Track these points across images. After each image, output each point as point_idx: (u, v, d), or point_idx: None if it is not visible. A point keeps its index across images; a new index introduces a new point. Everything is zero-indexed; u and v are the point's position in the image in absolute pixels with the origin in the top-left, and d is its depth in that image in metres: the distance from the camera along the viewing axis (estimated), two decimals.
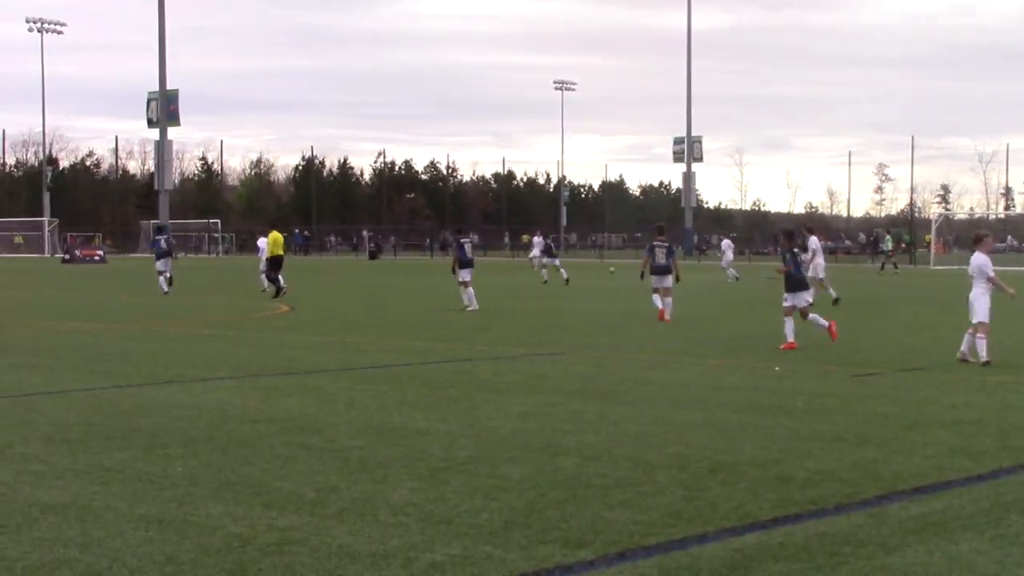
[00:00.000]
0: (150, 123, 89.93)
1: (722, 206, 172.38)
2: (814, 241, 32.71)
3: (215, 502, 8.35)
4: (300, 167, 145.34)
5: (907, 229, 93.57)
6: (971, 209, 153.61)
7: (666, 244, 26.31)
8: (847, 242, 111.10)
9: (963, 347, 17.25)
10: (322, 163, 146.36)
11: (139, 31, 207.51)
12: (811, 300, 20.18)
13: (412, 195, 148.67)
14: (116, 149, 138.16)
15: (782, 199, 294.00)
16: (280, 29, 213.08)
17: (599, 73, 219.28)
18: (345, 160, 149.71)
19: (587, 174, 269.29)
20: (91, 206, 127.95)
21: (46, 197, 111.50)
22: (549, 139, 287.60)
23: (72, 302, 33.56)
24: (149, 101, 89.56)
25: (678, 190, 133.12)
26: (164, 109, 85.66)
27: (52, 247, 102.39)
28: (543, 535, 7.52)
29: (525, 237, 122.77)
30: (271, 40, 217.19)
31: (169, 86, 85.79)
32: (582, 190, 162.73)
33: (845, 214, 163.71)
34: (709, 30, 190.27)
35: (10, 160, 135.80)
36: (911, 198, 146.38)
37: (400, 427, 11.58)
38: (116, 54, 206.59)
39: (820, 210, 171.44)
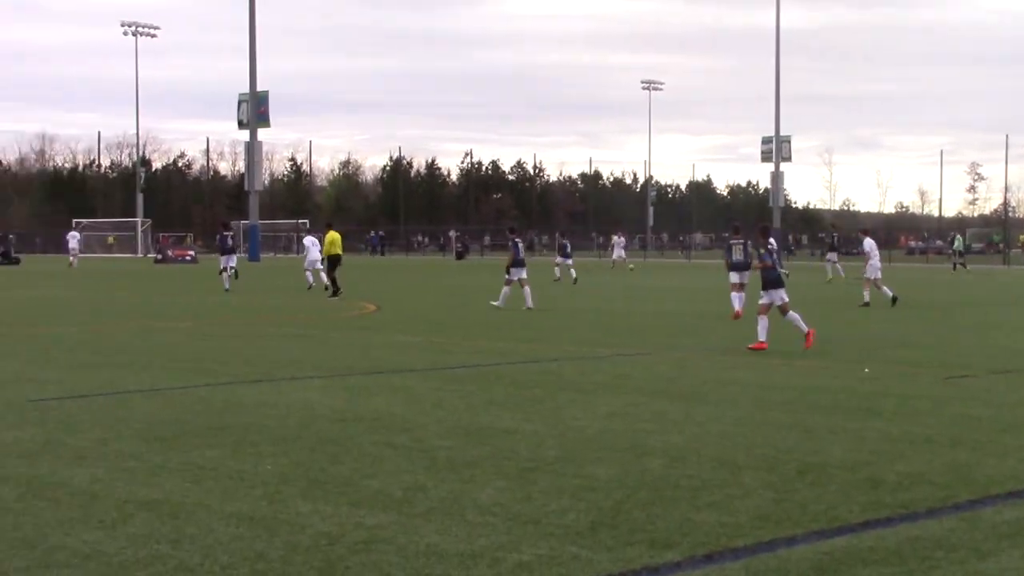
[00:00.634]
0: (240, 125, 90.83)
1: (811, 206, 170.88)
2: (868, 243, 33.08)
3: (304, 500, 8.44)
4: (388, 167, 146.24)
5: (998, 229, 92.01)
6: None
7: (742, 241, 27.28)
8: (938, 242, 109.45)
9: None
10: (410, 163, 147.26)
11: (231, 33, 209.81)
12: (786, 298, 19.69)
13: (499, 195, 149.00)
14: (207, 150, 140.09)
15: (872, 199, 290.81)
16: (371, 29, 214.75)
17: (687, 73, 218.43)
18: (433, 160, 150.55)
19: (674, 174, 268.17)
20: (183, 207, 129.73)
21: (139, 198, 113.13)
22: (636, 139, 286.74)
23: (164, 302, 34.03)
24: (240, 103, 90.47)
25: (766, 190, 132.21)
26: (254, 111, 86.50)
27: (145, 247, 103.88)
28: (630, 536, 7.50)
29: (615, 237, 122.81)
30: (361, 41, 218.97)
31: (259, 88, 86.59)
32: (669, 190, 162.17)
33: (937, 214, 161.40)
34: (798, 29, 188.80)
35: (105, 162, 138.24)
36: (1005, 197, 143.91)
37: (487, 427, 11.62)
38: (208, 56, 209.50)
39: (911, 210, 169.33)
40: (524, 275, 29.80)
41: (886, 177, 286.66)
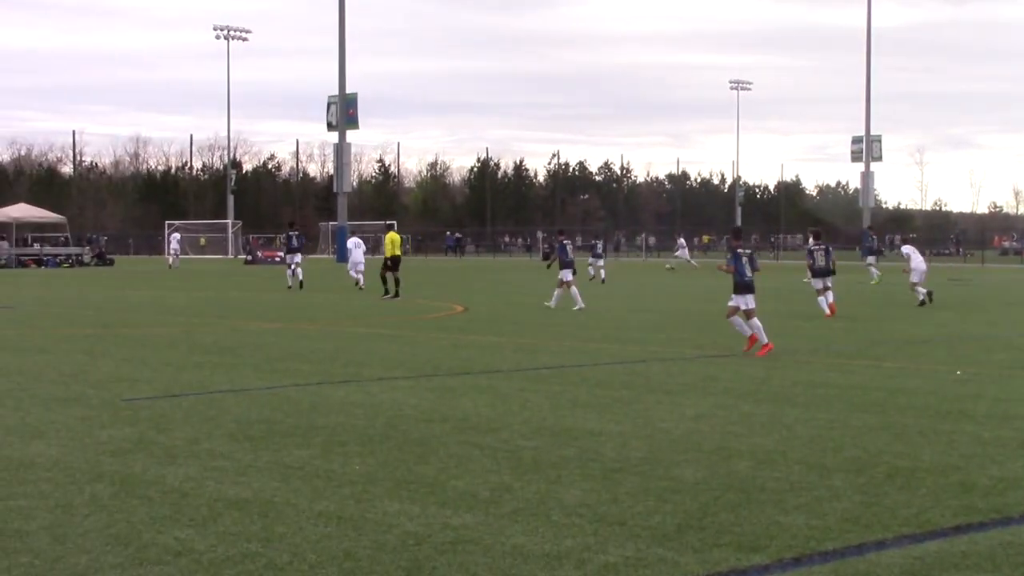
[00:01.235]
0: (329, 126, 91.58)
1: (901, 206, 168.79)
2: (906, 249, 33.59)
3: (391, 500, 8.49)
4: (475, 169, 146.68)
5: None
6: None
7: (823, 246, 28.60)
8: None
9: None
10: (497, 164, 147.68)
11: (320, 36, 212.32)
12: (753, 305, 19.28)
13: (586, 196, 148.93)
14: (297, 152, 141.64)
15: (965, 199, 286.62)
16: (459, 31, 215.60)
17: (776, 72, 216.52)
18: (520, 162, 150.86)
19: (763, 174, 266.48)
20: (272, 208, 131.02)
21: (230, 200, 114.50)
22: (724, 139, 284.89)
23: (253, 302, 34.41)
24: (329, 105, 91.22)
25: (856, 190, 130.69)
26: (343, 113, 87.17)
27: (235, 248, 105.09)
28: (717, 538, 7.46)
29: (707, 237, 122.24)
30: (450, 42, 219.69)
31: (348, 90, 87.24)
32: (757, 190, 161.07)
33: None
34: (890, 27, 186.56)
35: (197, 164, 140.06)
36: None
37: (573, 427, 11.61)
38: (298, 59, 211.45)
39: (1005, 209, 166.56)
40: (571, 277, 30.13)
41: (979, 176, 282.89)
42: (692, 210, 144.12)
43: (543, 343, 20.87)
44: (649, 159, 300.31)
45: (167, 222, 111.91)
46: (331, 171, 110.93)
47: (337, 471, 9.50)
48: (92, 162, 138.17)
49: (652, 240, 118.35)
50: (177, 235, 78.62)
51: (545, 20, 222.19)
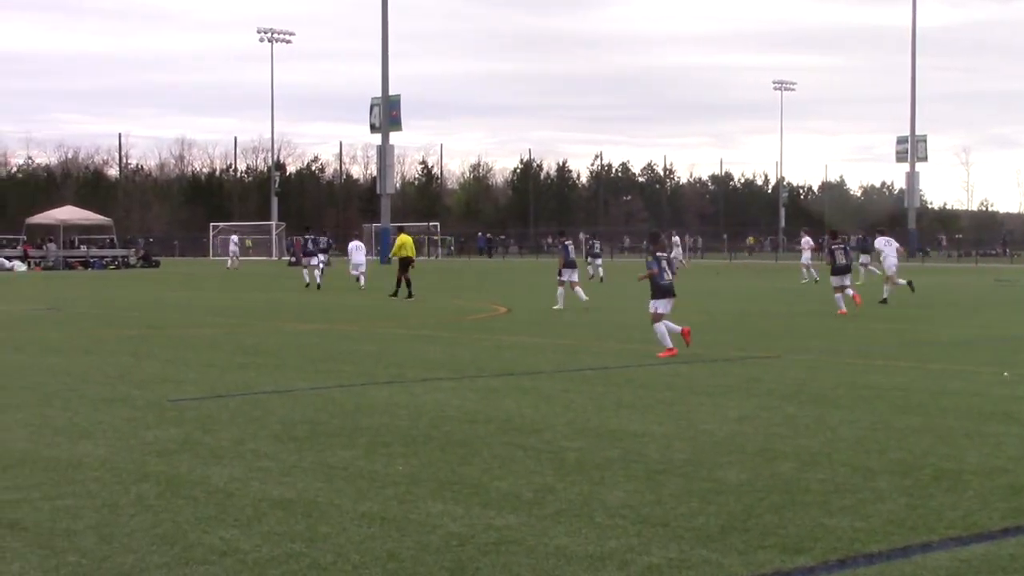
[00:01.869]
0: (373, 128, 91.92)
1: (947, 207, 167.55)
2: (881, 240, 34.78)
3: (435, 501, 8.51)
4: (518, 170, 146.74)
5: None
6: None
7: (843, 245, 29.30)
8: None
9: None
10: (540, 166, 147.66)
11: (363, 38, 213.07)
12: (667, 311, 19.04)
13: (629, 197, 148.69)
14: (340, 154, 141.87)
15: (1011, 199, 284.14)
16: (502, 32, 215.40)
17: (821, 72, 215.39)
18: (563, 163, 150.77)
19: (806, 175, 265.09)
20: (316, 210, 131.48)
21: (274, 201, 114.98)
22: (768, 140, 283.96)
23: (297, 303, 34.56)
24: (372, 107, 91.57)
25: (901, 190, 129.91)
26: (386, 114, 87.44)
27: (280, 250, 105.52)
28: (761, 540, 7.44)
29: (752, 239, 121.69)
30: (492, 44, 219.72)
31: (391, 92, 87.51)
32: (801, 191, 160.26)
33: None
34: (935, 26, 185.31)
35: (241, 166, 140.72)
36: None
37: (617, 429, 11.60)
38: (342, 61, 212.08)
39: None
40: (575, 277, 30.98)
41: None
42: (735, 211, 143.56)
43: (585, 344, 20.86)
44: (692, 160, 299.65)
45: (211, 224, 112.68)
46: (374, 173, 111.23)
47: (381, 472, 9.54)
48: (138, 164, 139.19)
49: (700, 241, 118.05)
50: (235, 237, 79.03)
51: (588, 21, 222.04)
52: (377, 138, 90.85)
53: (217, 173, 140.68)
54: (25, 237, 79.90)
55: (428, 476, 9.37)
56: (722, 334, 23.24)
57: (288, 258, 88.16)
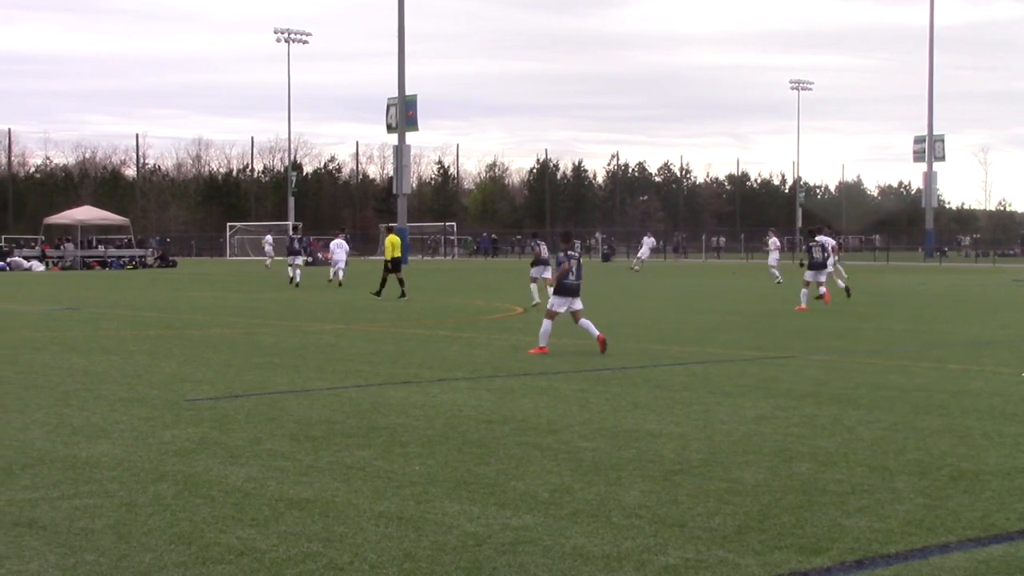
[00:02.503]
0: (389, 128, 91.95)
1: (965, 206, 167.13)
2: (821, 239, 35.05)
3: (451, 501, 8.51)
4: (534, 170, 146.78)
5: None
6: None
7: (821, 243, 30.62)
8: None
9: None
10: (556, 166, 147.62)
11: (380, 38, 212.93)
12: (580, 307, 19.10)
13: (645, 197, 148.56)
14: (357, 154, 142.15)
15: None
16: (518, 32, 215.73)
17: (838, 72, 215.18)
18: (580, 163, 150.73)
19: (823, 174, 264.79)
20: (332, 210, 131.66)
21: (291, 201, 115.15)
22: (785, 140, 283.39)
23: (313, 303, 34.59)
24: (388, 107, 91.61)
25: (918, 190, 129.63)
26: (403, 115, 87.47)
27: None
28: (778, 540, 7.43)
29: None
30: (508, 44, 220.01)
31: (408, 92, 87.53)
32: (818, 191, 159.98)
33: None
34: (953, 25, 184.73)
35: (258, 166, 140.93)
36: None
37: (633, 429, 11.59)
38: (358, 61, 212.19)
39: None
40: (548, 274, 31.18)
41: None
42: (752, 211, 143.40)
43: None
44: (709, 160, 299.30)
45: (229, 224, 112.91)
46: (391, 173, 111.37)
47: (397, 472, 9.55)
48: (155, 164, 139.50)
49: (723, 240, 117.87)
50: (269, 237, 78.94)
51: (604, 21, 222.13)
52: (394, 138, 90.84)
53: (234, 173, 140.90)
54: (43, 237, 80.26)
55: (445, 476, 9.38)
56: (738, 333, 23.20)
57: (305, 258, 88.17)
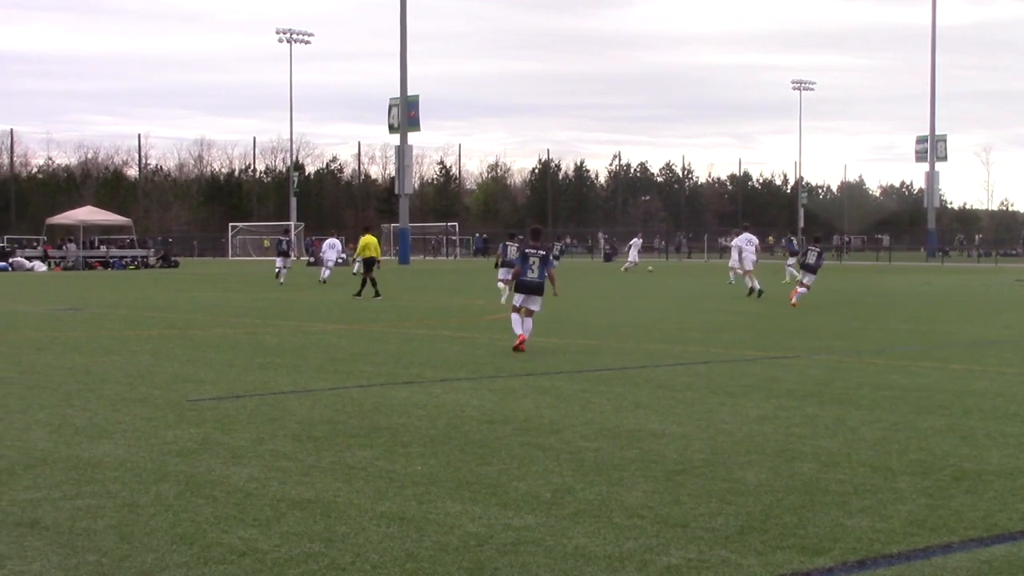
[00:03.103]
0: (391, 129, 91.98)
1: (967, 206, 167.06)
2: (743, 237, 37.43)
3: (453, 501, 8.51)
4: (536, 170, 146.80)
5: None
6: None
7: (817, 248, 32.59)
8: None
9: None
10: (558, 166, 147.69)
11: (382, 39, 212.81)
12: (537, 308, 19.55)
13: (647, 197, 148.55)
14: (359, 154, 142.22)
15: None
16: (520, 32, 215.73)
17: (840, 72, 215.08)
18: (581, 163, 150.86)
19: (825, 175, 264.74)
20: (334, 210, 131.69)
21: (293, 202, 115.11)
22: (787, 140, 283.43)
23: (316, 303, 34.60)
24: (390, 107, 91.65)
25: (920, 190, 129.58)
26: (405, 115, 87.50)
27: (298, 250, 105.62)
28: (780, 541, 7.43)
29: (771, 238, 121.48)
30: (511, 44, 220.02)
31: (410, 92, 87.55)
32: (820, 191, 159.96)
33: None
34: (956, 25, 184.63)
35: (260, 166, 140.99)
36: None
37: (635, 429, 11.59)
38: (360, 62, 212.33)
39: None
40: (510, 276, 31.37)
41: None
42: (754, 211, 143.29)
43: (605, 344, 20.84)
44: (711, 160, 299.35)
45: (231, 224, 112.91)
46: (393, 173, 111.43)
47: (399, 472, 9.54)
48: (157, 165, 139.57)
49: (731, 240, 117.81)
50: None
51: (605, 21, 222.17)
52: (395, 138, 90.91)
53: (236, 173, 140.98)
54: (45, 237, 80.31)
55: (447, 476, 9.37)
56: (741, 333, 23.19)
57: (307, 258, 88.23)
